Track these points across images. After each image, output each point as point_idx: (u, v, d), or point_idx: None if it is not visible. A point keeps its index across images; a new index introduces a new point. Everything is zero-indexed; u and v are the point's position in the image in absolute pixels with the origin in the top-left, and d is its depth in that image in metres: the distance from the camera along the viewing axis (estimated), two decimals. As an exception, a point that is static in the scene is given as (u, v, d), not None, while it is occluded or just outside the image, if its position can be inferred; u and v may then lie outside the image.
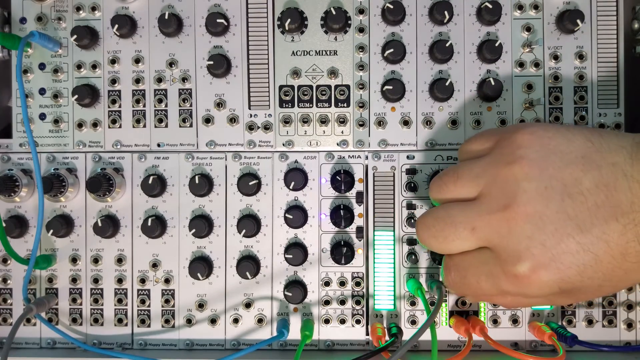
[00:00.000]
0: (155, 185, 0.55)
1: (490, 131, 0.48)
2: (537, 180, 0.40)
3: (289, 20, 0.54)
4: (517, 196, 0.41)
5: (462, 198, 0.45)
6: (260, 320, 0.56)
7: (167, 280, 0.57)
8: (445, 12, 0.54)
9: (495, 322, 0.56)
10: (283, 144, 0.56)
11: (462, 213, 0.44)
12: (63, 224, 0.55)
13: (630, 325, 0.55)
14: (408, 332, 0.55)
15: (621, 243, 0.38)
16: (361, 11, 0.56)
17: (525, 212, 0.40)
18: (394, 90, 0.54)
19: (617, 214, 0.38)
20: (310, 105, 0.56)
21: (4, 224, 0.54)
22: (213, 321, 0.56)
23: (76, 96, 0.55)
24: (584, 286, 0.40)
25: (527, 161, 0.41)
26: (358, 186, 0.56)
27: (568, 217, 0.39)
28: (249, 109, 0.56)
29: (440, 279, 0.55)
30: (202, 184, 0.55)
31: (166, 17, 0.54)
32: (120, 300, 0.57)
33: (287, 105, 0.56)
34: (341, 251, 0.54)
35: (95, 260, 0.57)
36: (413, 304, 0.56)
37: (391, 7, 0.54)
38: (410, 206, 0.56)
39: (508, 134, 0.44)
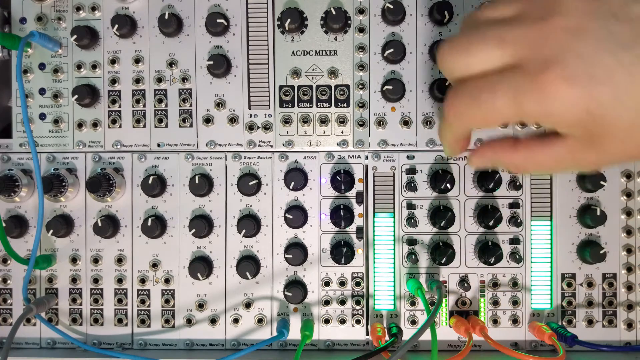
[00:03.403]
0: (155, 185, 0.55)
1: None
2: (583, 0, 0.37)
3: (289, 20, 0.54)
4: (559, 10, 0.38)
5: (498, 19, 0.40)
6: (260, 320, 0.56)
7: (167, 280, 0.57)
8: (445, 12, 0.54)
9: (495, 322, 0.56)
10: (283, 144, 0.56)
11: (492, 27, 0.39)
12: (63, 224, 0.55)
13: (630, 325, 0.55)
14: (408, 332, 0.55)
15: None
16: (361, 11, 0.56)
17: (565, 24, 0.37)
18: (394, 90, 0.54)
19: None
20: (310, 105, 0.56)
21: (4, 224, 0.54)
22: (213, 321, 0.56)
23: (76, 96, 0.55)
24: (615, 118, 0.36)
25: None
26: (358, 186, 0.56)
27: (611, 35, 0.36)
28: (249, 109, 0.56)
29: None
30: (202, 184, 0.55)
31: (166, 17, 0.54)
32: (120, 300, 0.57)
33: (287, 105, 0.56)
34: (341, 251, 0.54)
35: (95, 260, 0.57)
36: (413, 304, 0.56)
37: (391, 7, 0.54)
38: (410, 206, 0.56)
39: None
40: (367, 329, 0.56)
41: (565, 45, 0.37)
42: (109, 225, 0.55)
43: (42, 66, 0.57)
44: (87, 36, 0.55)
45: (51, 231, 0.55)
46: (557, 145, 0.40)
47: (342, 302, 0.56)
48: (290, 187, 0.55)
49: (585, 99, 0.36)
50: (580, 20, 0.37)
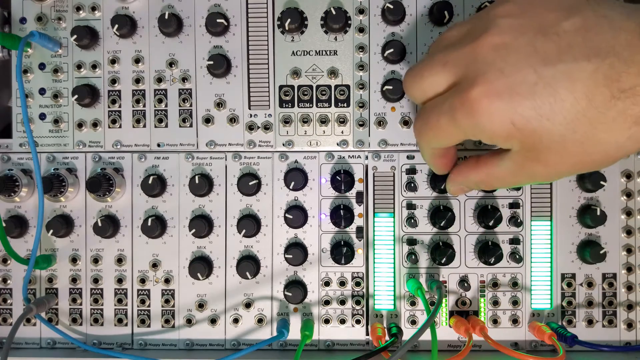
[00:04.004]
0: (155, 185, 0.55)
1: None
2: (514, 17, 0.39)
3: (289, 20, 0.54)
4: (489, 29, 0.39)
5: (450, 43, 0.43)
6: (260, 320, 0.56)
7: (167, 280, 0.57)
8: (445, 12, 0.54)
9: (495, 322, 0.56)
10: (283, 144, 0.56)
11: (440, 52, 0.42)
12: (63, 224, 0.55)
13: (630, 325, 0.56)
14: (408, 332, 0.55)
15: (588, 85, 0.35)
16: (361, 11, 0.56)
17: (492, 42, 0.38)
18: (394, 90, 0.54)
19: (591, 55, 0.35)
20: (310, 105, 0.56)
21: (4, 224, 0.54)
22: (213, 321, 0.56)
23: (76, 96, 0.55)
24: (544, 131, 0.37)
25: (512, 4, 0.40)
26: (358, 186, 0.56)
27: (535, 51, 0.37)
28: (249, 109, 0.56)
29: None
30: (202, 184, 0.55)
31: (166, 17, 0.54)
32: (120, 300, 0.57)
33: (287, 105, 0.56)
34: (341, 251, 0.54)
35: (95, 260, 0.57)
36: (413, 304, 0.56)
37: (391, 7, 0.54)
38: (410, 206, 0.56)
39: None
40: (367, 329, 0.56)
41: (490, 62, 0.38)
42: (109, 225, 0.55)
43: (42, 66, 0.57)
44: (87, 36, 0.55)
45: (51, 231, 0.55)
46: (506, 159, 0.42)
47: (342, 302, 0.56)
48: (290, 187, 0.55)
49: (509, 112, 0.37)
50: (507, 36, 0.38)
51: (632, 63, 0.34)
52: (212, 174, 0.57)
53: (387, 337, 0.54)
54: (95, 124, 0.57)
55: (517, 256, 0.55)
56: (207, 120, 0.56)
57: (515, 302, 0.56)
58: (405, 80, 0.45)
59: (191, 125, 0.57)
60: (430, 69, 0.42)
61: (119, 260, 0.57)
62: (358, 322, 0.56)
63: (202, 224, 0.55)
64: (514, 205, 0.55)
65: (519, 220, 0.55)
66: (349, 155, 0.56)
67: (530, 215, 0.56)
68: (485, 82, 0.38)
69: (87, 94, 0.55)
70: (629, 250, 0.56)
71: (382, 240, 0.56)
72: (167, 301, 0.57)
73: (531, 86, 0.36)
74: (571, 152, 0.38)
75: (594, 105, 0.35)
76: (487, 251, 0.54)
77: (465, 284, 0.56)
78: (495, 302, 0.56)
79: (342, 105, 0.56)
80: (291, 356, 0.50)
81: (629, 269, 0.56)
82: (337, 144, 0.56)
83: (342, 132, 0.56)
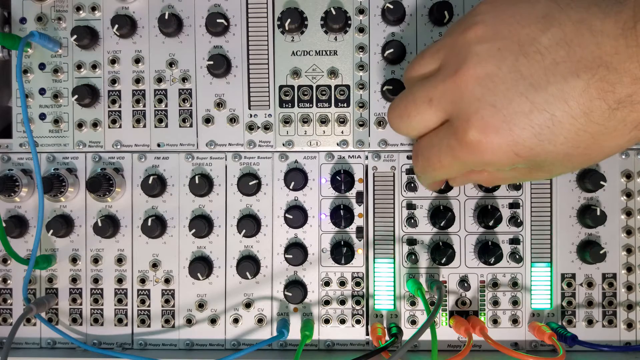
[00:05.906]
0: (155, 185, 0.55)
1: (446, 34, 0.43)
2: (490, 42, 0.37)
3: (289, 20, 0.54)
4: (468, 59, 0.38)
5: (426, 73, 0.43)
6: (260, 320, 0.56)
7: (167, 280, 0.57)
8: (445, 12, 0.54)
9: (495, 322, 0.56)
10: (283, 144, 0.56)
11: (421, 88, 0.41)
12: (63, 224, 0.55)
13: (630, 325, 0.56)
14: (408, 332, 0.55)
15: (583, 101, 0.35)
16: (361, 11, 0.56)
17: (475, 74, 0.37)
18: (394, 90, 0.54)
19: (579, 70, 0.35)
20: (310, 105, 0.56)
21: (4, 224, 0.54)
22: (213, 321, 0.56)
23: (76, 96, 0.55)
24: (548, 153, 0.37)
25: (482, 25, 0.38)
26: (358, 186, 0.56)
27: (521, 76, 0.36)
28: (249, 109, 0.56)
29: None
30: (202, 184, 0.55)
31: (166, 17, 0.54)
32: (120, 300, 0.57)
33: (287, 105, 0.56)
34: (341, 251, 0.54)
35: (95, 260, 0.57)
36: (413, 304, 0.56)
37: (391, 7, 0.54)
38: (410, 206, 0.56)
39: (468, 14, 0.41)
40: (367, 329, 0.56)
41: (479, 97, 0.37)
42: (109, 225, 0.55)
43: (42, 66, 0.57)
44: (87, 36, 0.55)
45: (51, 231, 0.55)
46: (511, 170, 0.42)
47: (342, 302, 0.56)
48: (290, 187, 0.55)
49: (510, 145, 0.37)
50: (489, 66, 0.37)
51: (624, 72, 0.34)
52: (212, 174, 0.57)
53: (387, 337, 0.54)
54: (95, 124, 0.57)
55: (517, 256, 0.55)
56: (207, 120, 0.56)
57: (515, 302, 0.56)
58: (390, 119, 0.44)
59: (191, 125, 0.57)
60: (415, 108, 0.41)
61: (119, 260, 0.57)
62: (358, 322, 0.56)
63: (202, 224, 0.55)
64: (514, 205, 0.55)
65: (519, 220, 0.55)
66: (349, 155, 0.56)
67: (530, 215, 0.56)
68: (479, 121, 0.37)
69: (87, 94, 0.55)
70: (629, 250, 0.56)
71: (382, 241, 0.56)
72: (167, 301, 0.57)
73: (527, 115, 0.36)
74: (574, 160, 0.38)
75: (592, 120, 0.35)
76: (487, 251, 0.54)
77: (465, 284, 0.56)
78: (495, 302, 0.56)
79: (342, 105, 0.56)
80: (291, 356, 0.50)
81: (629, 269, 0.56)
82: (337, 144, 0.56)
83: (342, 132, 0.56)
